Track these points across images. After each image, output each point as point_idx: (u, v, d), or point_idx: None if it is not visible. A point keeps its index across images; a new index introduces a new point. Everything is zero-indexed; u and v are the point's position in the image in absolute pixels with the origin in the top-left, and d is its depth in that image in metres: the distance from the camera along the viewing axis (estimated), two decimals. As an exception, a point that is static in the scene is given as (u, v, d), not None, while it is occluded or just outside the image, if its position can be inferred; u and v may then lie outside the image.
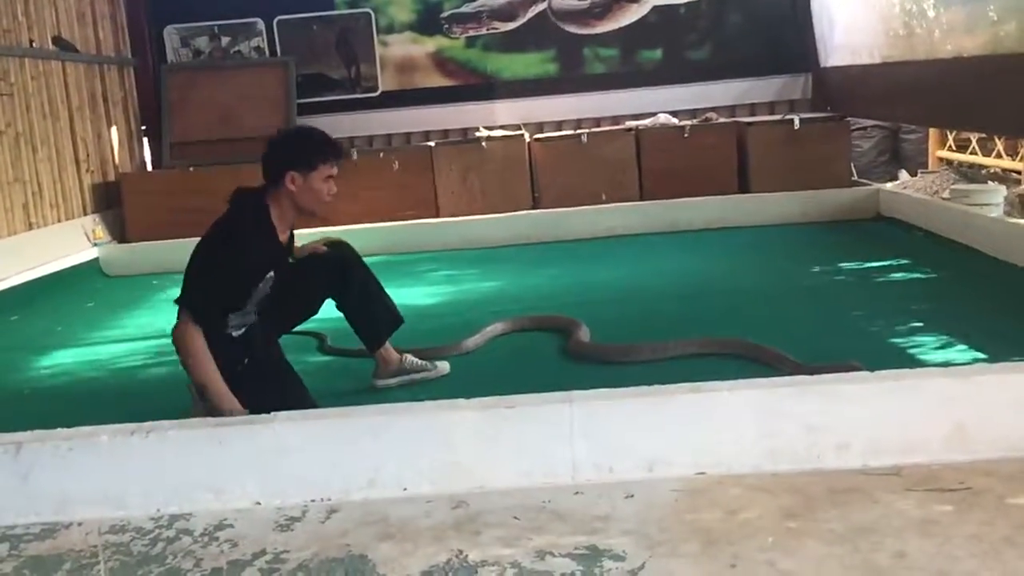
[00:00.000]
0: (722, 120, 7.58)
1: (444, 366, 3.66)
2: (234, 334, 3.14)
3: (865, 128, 8.89)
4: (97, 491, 2.51)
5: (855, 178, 7.43)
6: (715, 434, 2.60)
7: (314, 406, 3.07)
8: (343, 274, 3.45)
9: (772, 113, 7.96)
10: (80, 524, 2.45)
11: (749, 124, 7.33)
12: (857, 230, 6.32)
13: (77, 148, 7.20)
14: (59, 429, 2.58)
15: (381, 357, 3.55)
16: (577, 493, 2.50)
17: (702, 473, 2.56)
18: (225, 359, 3.01)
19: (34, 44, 6.73)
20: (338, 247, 3.57)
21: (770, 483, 2.48)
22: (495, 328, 4.22)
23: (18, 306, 5.42)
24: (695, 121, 7.55)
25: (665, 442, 2.59)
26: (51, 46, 6.98)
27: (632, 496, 2.46)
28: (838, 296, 4.63)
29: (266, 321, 3.26)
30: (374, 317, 3.50)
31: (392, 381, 3.53)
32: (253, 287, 3.10)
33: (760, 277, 5.16)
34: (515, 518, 2.37)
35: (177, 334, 2.96)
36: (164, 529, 2.40)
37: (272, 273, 3.15)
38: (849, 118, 7.44)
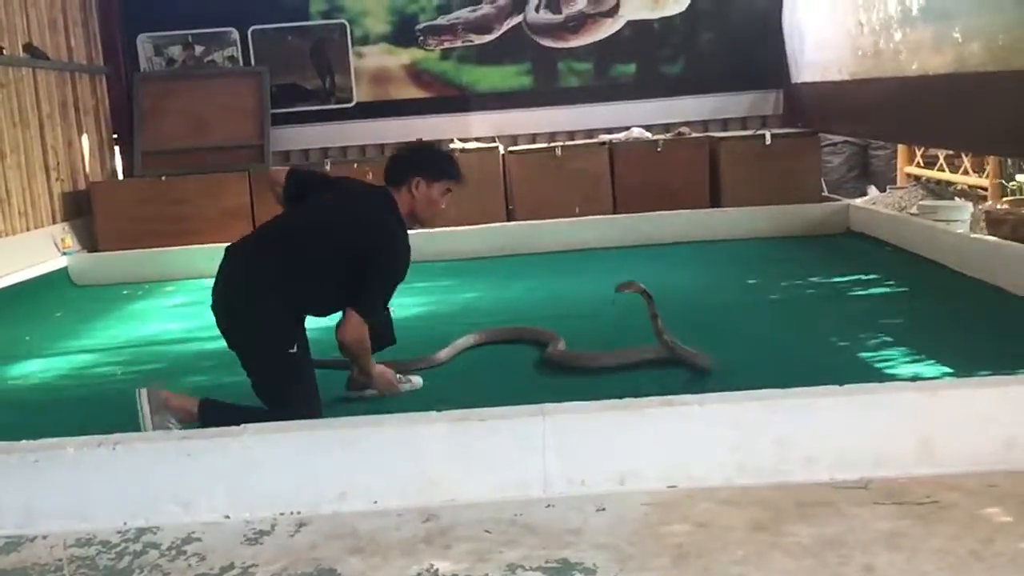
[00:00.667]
0: (695, 135, 7.63)
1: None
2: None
3: (835, 144, 9.03)
4: (63, 504, 2.48)
5: (825, 193, 7.53)
6: (686, 448, 2.62)
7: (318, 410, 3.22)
8: None
9: (744, 128, 8.03)
10: (45, 537, 2.42)
11: (721, 139, 7.40)
12: (827, 245, 6.39)
13: (47, 156, 7.12)
14: (25, 441, 2.55)
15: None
16: (548, 506, 2.50)
17: (673, 487, 2.57)
18: (286, 336, 3.17)
19: (4, 51, 6.66)
20: None
21: (740, 496, 2.50)
22: (467, 340, 4.21)
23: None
24: (668, 135, 7.60)
25: (636, 455, 2.61)
26: (22, 53, 6.91)
27: (603, 509, 2.47)
28: (808, 310, 4.67)
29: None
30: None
31: (366, 392, 3.54)
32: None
33: (731, 291, 5.20)
34: (486, 532, 2.37)
35: (357, 337, 3.16)
36: (131, 543, 2.37)
37: None
38: (820, 134, 7.53)
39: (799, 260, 5.95)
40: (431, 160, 3.42)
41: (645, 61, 8.32)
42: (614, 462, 2.60)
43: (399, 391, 3.46)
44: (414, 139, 8.19)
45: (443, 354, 4.04)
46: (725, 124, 8.14)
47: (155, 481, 2.49)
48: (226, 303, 3.21)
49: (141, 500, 2.48)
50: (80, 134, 7.71)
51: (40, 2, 7.25)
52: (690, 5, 8.17)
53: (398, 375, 3.56)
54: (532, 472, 2.58)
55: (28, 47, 6.99)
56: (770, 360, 3.68)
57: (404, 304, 5.35)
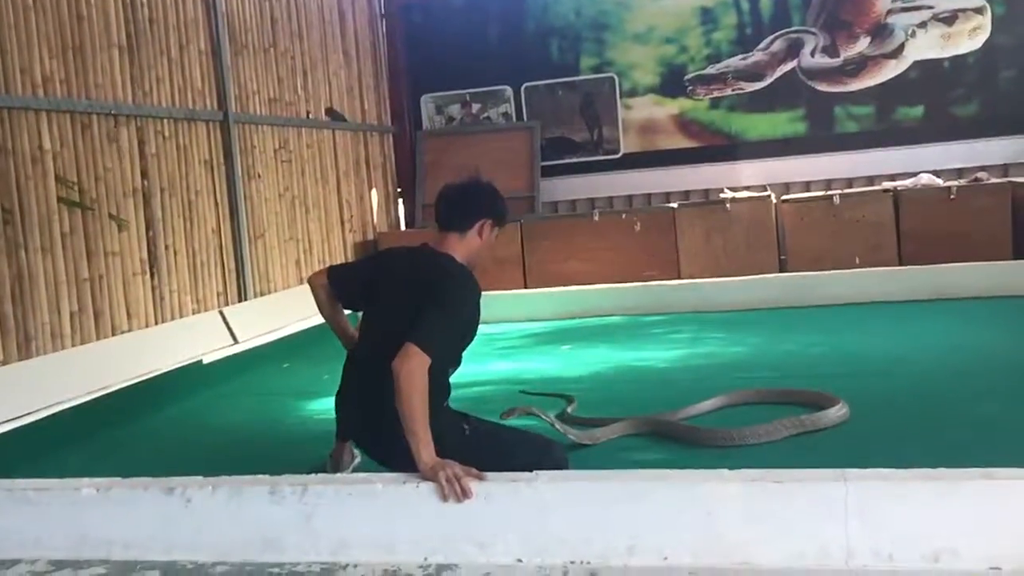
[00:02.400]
0: (994, 180, 7.02)
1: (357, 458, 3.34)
2: (447, 383, 3.05)
3: None
4: (371, 536, 2.64)
5: None
6: (1012, 526, 2.36)
7: (560, 449, 3.10)
8: None
9: (1052, 172, 7.29)
10: (356, 566, 2.58)
11: (1026, 184, 6.76)
12: None
13: (342, 209, 7.79)
14: (340, 474, 2.74)
15: (346, 448, 3.35)
16: (853, 579, 2.34)
17: (997, 569, 2.32)
18: (449, 421, 2.95)
19: (310, 115, 7.40)
20: None
21: (1080, 586, 2.20)
22: (713, 403, 3.98)
23: (289, 355, 5.88)
24: (963, 181, 7.05)
25: (952, 531, 2.38)
26: (324, 116, 7.63)
27: (916, 588, 2.27)
28: None
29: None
30: None
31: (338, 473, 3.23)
32: (470, 340, 3.06)
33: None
34: (786, 600, 2.24)
35: (410, 369, 2.68)
36: (432, 578, 2.48)
37: None
38: None
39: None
40: (497, 203, 3.13)
41: (934, 102, 7.83)
42: (927, 537, 2.38)
43: (460, 493, 2.57)
44: (682, 190, 8.23)
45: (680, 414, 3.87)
46: (1029, 168, 7.44)
47: (454, 520, 2.58)
48: (373, 437, 3.05)
49: (442, 537, 2.58)
50: (370, 188, 8.37)
51: (341, 71, 7.99)
52: (986, 42, 7.59)
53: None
54: (833, 541, 2.42)
55: (329, 111, 7.72)
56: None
57: (670, 357, 5.30)
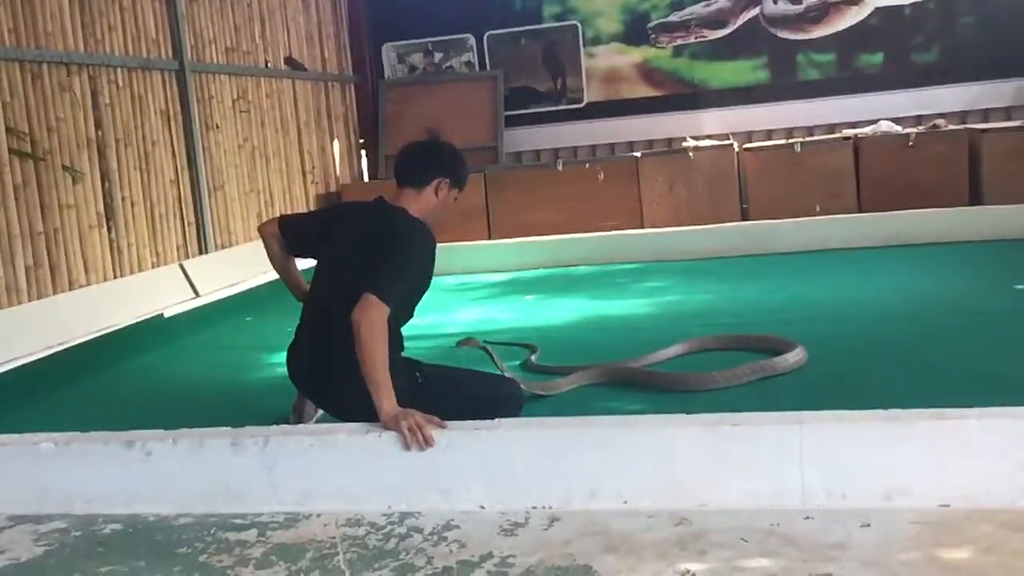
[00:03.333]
0: (952, 127, 7.09)
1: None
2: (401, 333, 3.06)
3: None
4: (333, 486, 2.65)
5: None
6: (961, 465, 2.42)
7: (514, 386, 3.16)
8: None
9: (1008, 119, 7.38)
10: (319, 516, 2.59)
11: (983, 131, 6.83)
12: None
13: (304, 160, 7.69)
14: (301, 425, 2.74)
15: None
16: (807, 518, 2.39)
17: (946, 505, 2.39)
18: (402, 369, 2.93)
19: (269, 64, 7.26)
20: None
21: (1025, 521, 2.28)
22: (674, 350, 4.01)
23: (252, 308, 5.84)
24: (921, 128, 7.11)
25: (904, 470, 2.44)
26: (283, 66, 7.50)
27: (868, 526, 2.33)
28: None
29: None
30: None
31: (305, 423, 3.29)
32: (424, 292, 3.08)
33: (996, 296, 4.78)
34: (742, 540, 2.30)
35: (371, 318, 2.67)
36: (396, 526, 2.50)
37: None
38: (1099, 122, 6.79)
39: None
40: (457, 165, 3.16)
41: (894, 49, 7.86)
42: (879, 476, 2.45)
43: (422, 441, 2.58)
44: (645, 139, 8.22)
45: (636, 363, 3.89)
46: (986, 115, 7.51)
47: (417, 468, 2.61)
48: (327, 391, 3.04)
49: (404, 486, 2.60)
50: (331, 139, 8.26)
51: (300, 18, 7.84)
52: (946, -12, 7.62)
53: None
54: (789, 482, 2.48)
55: (288, 60, 7.58)
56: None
57: (636, 304, 5.35)
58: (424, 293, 3.08)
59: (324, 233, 3.18)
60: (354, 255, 2.97)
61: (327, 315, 2.94)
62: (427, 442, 2.58)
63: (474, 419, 2.70)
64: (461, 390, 3.07)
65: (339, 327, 2.76)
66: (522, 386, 3.38)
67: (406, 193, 3.10)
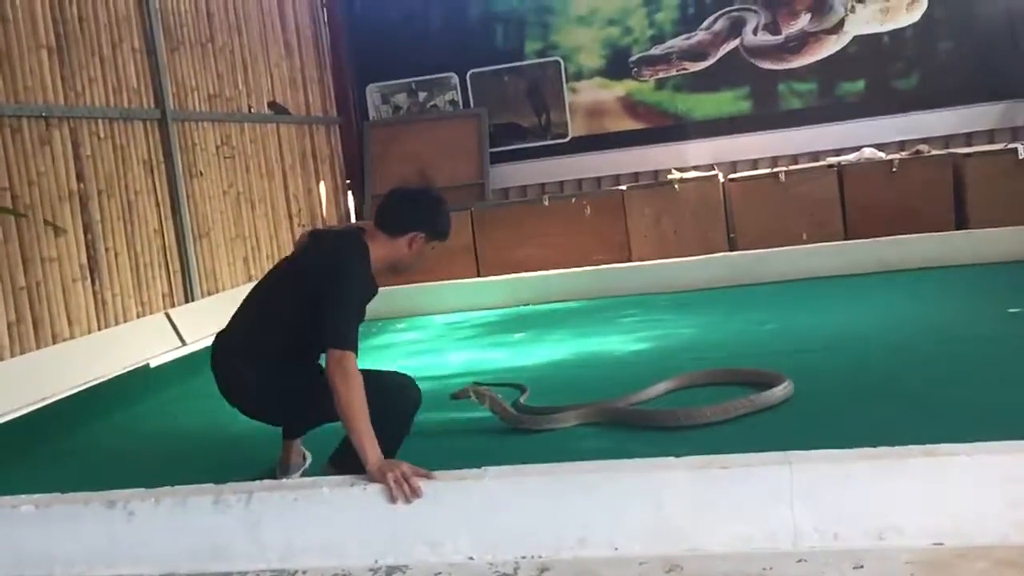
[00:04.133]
0: (935, 152, 7.13)
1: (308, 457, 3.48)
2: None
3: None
4: (319, 540, 2.60)
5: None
6: (953, 502, 2.39)
7: (406, 385, 3.14)
8: None
9: (992, 142, 7.42)
10: (305, 573, 2.55)
11: (966, 155, 6.87)
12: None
13: (290, 203, 7.68)
14: (285, 480, 2.70)
15: (295, 448, 3.46)
16: (800, 561, 2.36)
17: (939, 544, 2.35)
18: (314, 372, 3.03)
19: (252, 109, 7.27)
20: None
21: (1020, 558, 2.24)
22: (662, 386, 3.99)
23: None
24: (904, 154, 7.15)
25: (896, 509, 2.41)
26: (267, 110, 7.51)
27: (861, 567, 2.29)
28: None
29: None
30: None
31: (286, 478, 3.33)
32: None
33: (986, 322, 4.76)
34: (735, 586, 2.26)
35: (344, 372, 2.73)
36: (382, 582, 2.45)
37: None
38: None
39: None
40: (436, 220, 3.16)
41: (875, 77, 7.93)
42: (871, 515, 2.41)
43: (409, 493, 2.55)
44: (631, 172, 8.25)
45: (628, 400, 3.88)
46: (969, 139, 7.56)
47: (403, 521, 2.56)
48: (240, 396, 3.19)
49: (391, 539, 2.55)
50: (317, 181, 8.27)
51: (283, 63, 7.87)
52: (924, 15, 7.69)
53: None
54: (780, 524, 2.44)
55: (272, 104, 7.60)
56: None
57: (626, 339, 5.33)
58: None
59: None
60: (294, 277, 3.11)
61: (257, 323, 3.13)
62: (414, 493, 2.54)
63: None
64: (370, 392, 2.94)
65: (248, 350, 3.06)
66: (519, 421, 3.52)
67: (379, 236, 3.11)
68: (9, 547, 2.75)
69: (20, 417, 4.25)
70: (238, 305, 3.31)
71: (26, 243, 4.74)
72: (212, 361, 3.23)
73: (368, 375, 2.84)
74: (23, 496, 2.85)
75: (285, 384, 3.07)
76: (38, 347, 4.72)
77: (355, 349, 2.80)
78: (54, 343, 4.83)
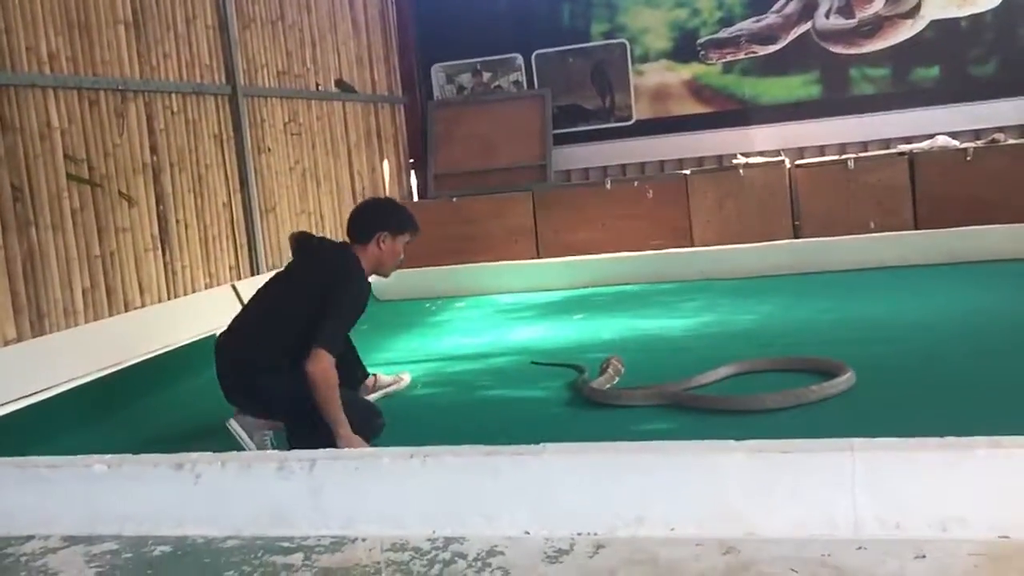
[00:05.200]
0: (1011, 141, 6.92)
1: (406, 376, 4.26)
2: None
3: None
4: (378, 510, 2.65)
5: None
6: (1020, 494, 2.34)
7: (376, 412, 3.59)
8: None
9: (1071, 132, 7.18)
10: (364, 540, 2.60)
11: (1044, 144, 6.66)
12: None
13: (354, 181, 7.77)
14: (347, 449, 2.75)
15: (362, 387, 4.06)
16: (860, 548, 2.33)
17: (1005, 537, 2.31)
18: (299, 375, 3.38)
19: (320, 87, 7.36)
20: None
21: (1089, 554, 2.19)
22: (725, 370, 3.98)
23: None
24: (980, 143, 6.95)
25: (961, 500, 2.36)
26: (333, 88, 7.60)
27: (923, 557, 2.26)
28: None
29: None
30: (358, 367, 4.05)
31: (372, 396, 4.01)
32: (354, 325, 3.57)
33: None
34: (792, 570, 2.24)
35: (321, 364, 3.25)
36: (440, 551, 2.49)
37: None
38: None
39: None
40: (392, 215, 3.68)
41: (951, 63, 7.70)
42: (934, 506, 2.37)
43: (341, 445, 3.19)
44: (695, 156, 8.17)
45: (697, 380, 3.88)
46: (1049, 128, 7.32)
47: (462, 493, 2.60)
48: (243, 396, 3.53)
49: (449, 510, 2.59)
50: (381, 160, 8.35)
51: (350, 41, 7.94)
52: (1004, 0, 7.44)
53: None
54: (840, 510, 2.41)
55: (339, 82, 7.68)
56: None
57: (684, 325, 5.29)
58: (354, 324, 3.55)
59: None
60: (303, 290, 3.52)
61: (259, 326, 3.55)
62: None
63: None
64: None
65: (252, 348, 3.47)
66: (599, 392, 3.77)
67: (358, 248, 3.63)
68: (83, 504, 2.86)
69: (94, 381, 4.39)
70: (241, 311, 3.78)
71: (101, 213, 4.88)
72: (218, 366, 3.58)
73: (345, 393, 3.37)
74: (95, 456, 2.95)
75: (293, 394, 3.39)
76: (111, 314, 4.87)
77: (334, 349, 3.31)
78: (126, 311, 4.98)
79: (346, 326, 3.47)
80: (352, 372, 3.89)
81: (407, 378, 4.30)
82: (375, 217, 3.68)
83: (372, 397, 4.03)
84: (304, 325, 3.36)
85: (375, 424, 3.51)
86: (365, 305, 3.53)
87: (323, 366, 3.25)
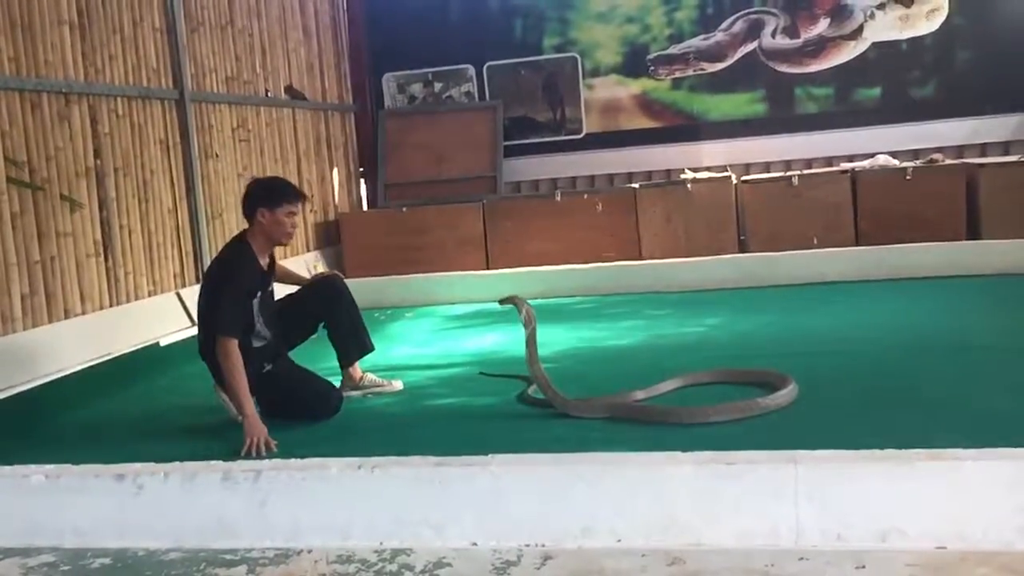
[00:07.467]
0: (949, 161, 7.12)
1: (398, 384, 4.31)
2: (256, 345, 3.86)
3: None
4: (325, 521, 2.63)
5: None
6: (957, 506, 2.41)
7: (329, 388, 3.94)
8: (331, 305, 4.21)
9: (1007, 154, 7.40)
10: (310, 551, 2.57)
11: (981, 165, 6.85)
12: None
13: (303, 189, 7.67)
14: (293, 459, 2.73)
15: (347, 373, 4.25)
16: (802, 559, 2.38)
17: (942, 547, 2.37)
18: (253, 365, 3.73)
19: (269, 94, 7.29)
20: (331, 281, 4.32)
21: (1023, 564, 2.26)
22: (671, 383, 4.00)
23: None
24: (919, 162, 7.14)
25: (900, 511, 2.43)
26: (283, 95, 7.53)
27: (863, 567, 2.31)
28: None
29: (279, 340, 4.06)
30: (348, 342, 4.24)
31: (353, 393, 4.18)
32: (250, 302, 3.81)
33: (993, 332, 4.76)
34: (737, 581, 2.28)
35: (220, 349, 3.58)
36: (387, 563, 2.48)
37: (261, 292, 3.89)
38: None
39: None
40: (267, 190, 3.94)
41: (892, 84, 7.91)
42: (874, 517, 2.43)
43: (252, 450, 3.35)
44: (644, 170, 8.27)
45: (640, 394, 3.91)
46: (984, 149, 7.54)
47: (410, 504, 2.59)
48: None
49: (397, 522, 2.58)
50: (331, 168, 8.28)
51: (300, 48, 7.88)
52: (944, 23, 7.67)
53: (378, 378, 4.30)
54: (783, 521, 2.46)
55: (288, 89, 7.61)
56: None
57: (625, 334, 5.33)
58: (248, 301, 3.80)
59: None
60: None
61: (199, 329, 3.99)
62: (259, 452, 3.28)
63: (294, 409, 3.81)
64: (295, 387, 3.91)
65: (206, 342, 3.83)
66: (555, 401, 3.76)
67: (250, 228, 3.92)
68: (20, 516, 2.79)
69: (31, 390, 4.28)
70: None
71: (42, 217, 4.77)
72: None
73: (303, 372, 3.89)
74: (34, 467, 2.89)
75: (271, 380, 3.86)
76: (50, 321, 4.75)
77: (229, 332, 3.61)
78: (66, 318, 4.86)
79: (232, 305, 3.69)
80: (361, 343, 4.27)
81: (399, 385, 4.35)
82: (253, 196, 3.94)
83: (355, 393, 4.19)
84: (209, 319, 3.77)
85: (332, 399, 3.88)
86: (241, 277, 3.77)
87: (222, 351, 3.59)
